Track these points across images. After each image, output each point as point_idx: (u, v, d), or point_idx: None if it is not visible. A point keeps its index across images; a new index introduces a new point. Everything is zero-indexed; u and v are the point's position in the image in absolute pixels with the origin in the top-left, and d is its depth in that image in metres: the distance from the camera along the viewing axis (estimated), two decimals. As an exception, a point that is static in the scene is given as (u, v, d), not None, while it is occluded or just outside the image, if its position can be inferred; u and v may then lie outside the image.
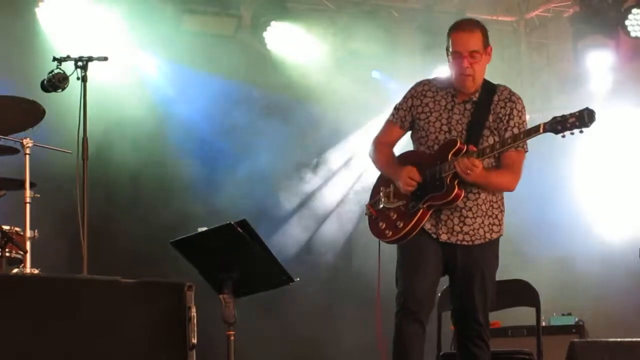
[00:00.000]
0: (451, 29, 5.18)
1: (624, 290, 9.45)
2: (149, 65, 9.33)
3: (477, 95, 5.18)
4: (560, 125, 4.82)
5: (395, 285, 5.16)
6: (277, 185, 9.82)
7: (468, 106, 5.18)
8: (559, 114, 4.86)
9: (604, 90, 10.29)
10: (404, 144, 5.45)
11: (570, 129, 4.81)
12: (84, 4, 8.78)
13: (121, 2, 8.86)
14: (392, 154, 5.37)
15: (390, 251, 5.24)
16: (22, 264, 6.23)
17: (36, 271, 6.19)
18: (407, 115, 5.30)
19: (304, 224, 9.96)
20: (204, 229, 4.82)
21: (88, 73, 6.07)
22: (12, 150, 6.38)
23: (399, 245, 5.18)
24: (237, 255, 4.78)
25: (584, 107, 4.80)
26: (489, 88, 5.21)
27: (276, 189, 9.82)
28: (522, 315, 6.91)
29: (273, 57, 9.81)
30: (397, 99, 5.38)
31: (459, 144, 5.07)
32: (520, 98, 5.23)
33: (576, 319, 7.93)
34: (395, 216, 5.18)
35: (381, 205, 5.27)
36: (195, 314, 4.58)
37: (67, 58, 6.11)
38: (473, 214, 5.12)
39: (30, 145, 6.37)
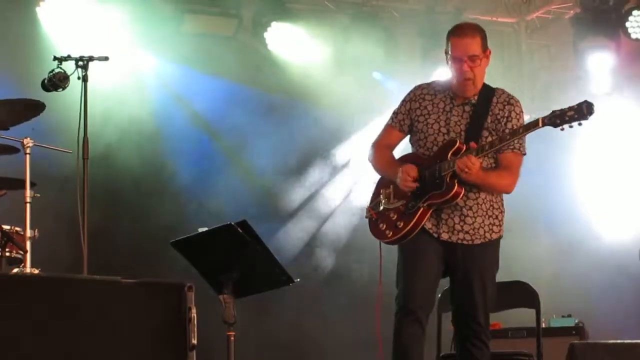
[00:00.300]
0: (450, 33, 5.19)
1: (624, 292, 9.45)
2: (150, 65, 9.33)
3: (475, 97, 5.20)
4: (559, 118, 4.84)
5: (395, 286, 5.17)
6: (277, 185, 9.81)
7: (467, 108, 5.20)
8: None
9: (604, 92, 10.28)
10: (402, 149, 5.45)
11: (569, 122, 4.83)
12: (84, 4, 8.76)
13: (122, 2, 8.85)
14: (392, 155, 5.39)
15: (391, 252, 5.24)
16: (22, 264, 6.22)
17: (36, 271, 6.18)
18: (405, 118, 5.31)
19: (304, 225, 9.95)
20: (204, 229, 4.82)
21: (89, 73, 6.07)
22: (13, 150, 6.37)
23: (399, 246, 5.19)
24: (237, 255, 4.78)
25: (583, 100, 4.82)
26: (487, 90, 5.24)
27: (276, 190, 9.82)
28: (522, 317, 6.91)
29: (274, 57, 9.80)
30: (398, 99, 5.40)
31: (459, 143, 5.09)
32: (518, 101, 5.25)
33: (576, 321, 7.93)
34: (395, 216, 5.19)
35: (381, 207, 5.28)
36: (195, 315, 4.57)
37: (68, 57, 6.10)
38: (473, 213, 5.13)
39: (30, 144, 6.35)
